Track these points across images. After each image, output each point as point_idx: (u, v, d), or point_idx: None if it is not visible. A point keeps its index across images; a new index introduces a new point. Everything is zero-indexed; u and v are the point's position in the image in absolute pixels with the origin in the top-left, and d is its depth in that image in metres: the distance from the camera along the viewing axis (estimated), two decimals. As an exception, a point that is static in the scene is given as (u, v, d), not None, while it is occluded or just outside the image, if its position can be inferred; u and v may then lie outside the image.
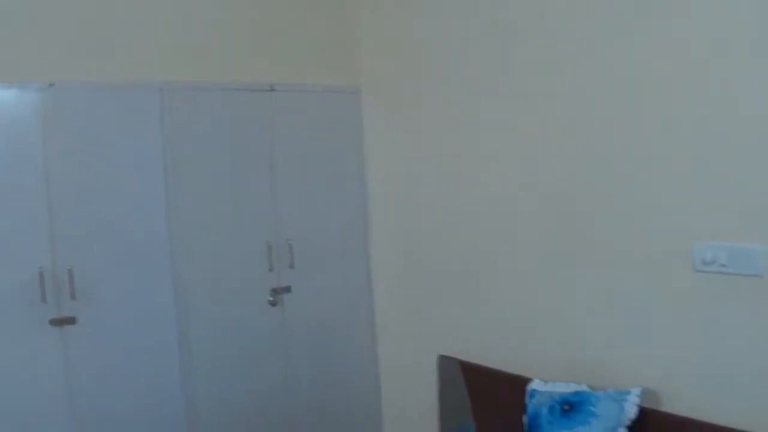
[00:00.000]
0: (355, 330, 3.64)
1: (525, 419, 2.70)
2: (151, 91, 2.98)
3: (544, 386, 2.71)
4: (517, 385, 2.87)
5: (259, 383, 3.29)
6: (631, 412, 2.46)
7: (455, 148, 3.23)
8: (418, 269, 3.46)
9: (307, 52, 3.46)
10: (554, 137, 2.83)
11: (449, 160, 3.26)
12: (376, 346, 3.69)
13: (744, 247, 2.33)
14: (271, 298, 3.29)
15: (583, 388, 2.61)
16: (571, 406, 2.51)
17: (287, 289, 3.35)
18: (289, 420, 3.39)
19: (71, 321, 2.79)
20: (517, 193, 3.00)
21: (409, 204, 3.47)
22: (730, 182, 2.35)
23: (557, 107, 2.81)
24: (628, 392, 2.49)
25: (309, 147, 3.44)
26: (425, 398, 3.44)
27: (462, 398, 3.21)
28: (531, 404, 2.66)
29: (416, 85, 3.37)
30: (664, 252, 2.52)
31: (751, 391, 2.37)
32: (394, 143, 3.51)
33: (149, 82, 2.97)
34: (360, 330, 3.66)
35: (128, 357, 2.96)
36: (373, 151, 3.59)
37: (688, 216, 2.46)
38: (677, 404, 2.52)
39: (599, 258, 2.73)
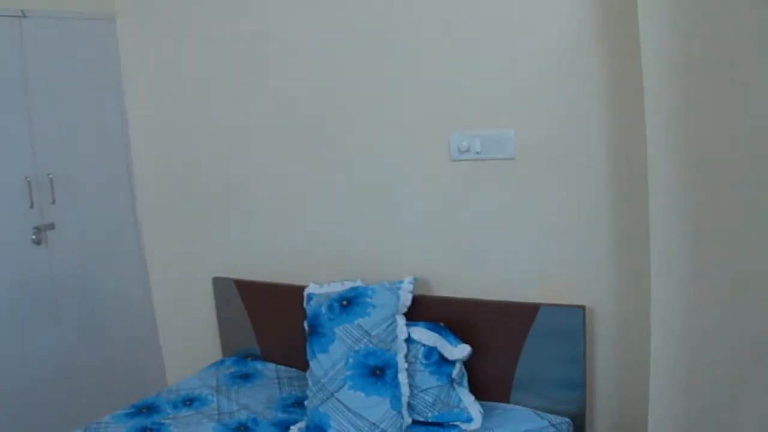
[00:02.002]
0: (124, 262, 3.49)
1: (305, 324, 2.75)
2: None
3: (320, 289, 2.78)
4: (293, 294, 2.92)
5: (30, 331, 3.07)
6: (406, 299, 2.61)
7: (213, 73, 3.17)
8: (184, 194, 3.38)
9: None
10: (306, 52, 2.90)
11: (208, 85, 3.20)
12: (148, 276, 3.56)
13: (496, 133, 2.53)
14: (34, 237, 3.06)
15: (358, 284, 2.71)
16: (349, 301, 2.60)
17: (50, 226, 3.13)
18: (62, 362, 3.19)
19: None
20: (273, 110, 3.03)
21: (172, 129, 3.37)
22: (480, 76, 2.54)
23: (309, 27, 2.88)
24: (401, 282, 2.63)
25: (66, 77, 3.20)
26: (204, 324, 3.42)
27: (242, 318, 3.22)
28: (309, 307, 2.72)
29: (171, 11, 3.24)
30: (423, 145, 2.69)
31: (505, 264, 2.65)
32: (153, 70, 3.37)
33: None
34: (129, 261, 3.51)
35: None
36: (132, 80, 3.41)
37: (443, 110, 2.62)
38: (445, 287, 2.72)
39: (361, 158, 2.86)
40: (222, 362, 3.22)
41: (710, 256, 2.04)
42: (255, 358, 3.20)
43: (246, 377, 3.03)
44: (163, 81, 3.34)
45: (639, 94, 2.04)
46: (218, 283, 3.27)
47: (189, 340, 3.53)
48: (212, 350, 3.38)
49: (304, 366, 2.78)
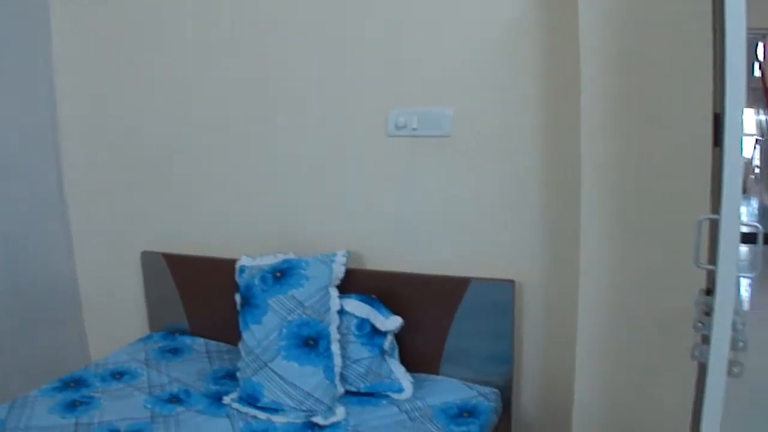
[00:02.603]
0: (48, 237, 3.40)
1: (237, 297, 2.76)
2: None
3: (252, 261, 2.78)
4: (225, 268, 2.90)
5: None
6: (339, 272, 2.64)
7: (145, 48, 3.12)
8: (112, 169, 3.31)
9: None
10: (243, 29, 2.91)
11: (140, 60, 3.14)
12: (73, 251, 3.48)
13: (433, 111, 2.59)
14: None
15: (291, 256, 2.73)
16: (282, 273, 2.62)
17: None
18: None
19: None
20: (208, 85, 3.01)
21: (103, 103, 3.28)
22: (418, 55, 2.62)
23: (248, 4, 2.88)
24: (335, 254, 2.67)
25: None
26: (131, 299, 3.37)
27: (171, 293, 3.19)
28: (242, 279, 2.72)
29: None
30: (361, 121, 2.73)
31: (437, 240, 2.73)
32: (83, 45, 3.27)
33: None
34: (54, 237, 3.42)
35: None
36: (62, 50, 3.32)
37: (381, 87, 2.67)
38: (378, 261, 2.78)
39: (297, 132, 2.88)
40: (149, 337, 3.19)
41: (635, 237, 2.17)
42: (183, 333, 3.18)
43: (175, 351, 3.01)
44: (94, 56, 3.26)
45: (575, 80, 2.14)
46: (146, 257, 3.23)
47: (114, 316, 3.46)
48: (138, 326, 3.33)
49: (233, 340, 2.80)
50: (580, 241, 2.24)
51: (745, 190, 11.56)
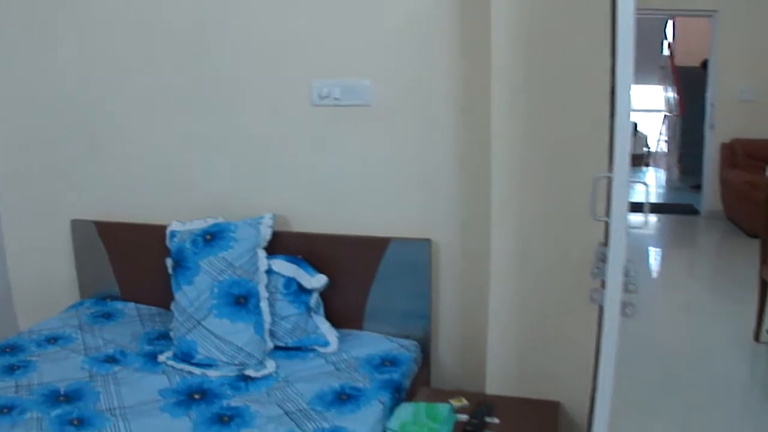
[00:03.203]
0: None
1: (168, 261, 2.87)
2: None
3: (183, 226, 2.90)
4: (155, 234, 3.01)
5: None
6: (266, 234, 2.80)
7: (67, 9, 3.15)
8: (40, 136, 3.33)
9: None
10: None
11: (71, 19, 3.15)
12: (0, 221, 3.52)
13: (354, 82, 2.76)
14: None
15: (220, 220, 2.86)
16: (212, 236, 2.75)
17: None
18: None
19: None
20: (137, 51, 3.08)
21: (31, 65, 3.26)
22: (342, 28, 2.80)
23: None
24: (262, 217, 2.82)
25: None
26: (60, 267, 3.41)
27: (101, 260, 3.26)
28: (173, 244, 2.84)
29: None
30: (286, 90, 2.88)
31: (359, 203, 2.92)
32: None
33: None
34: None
35: None
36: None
37: (306, 58, 2.82)
38: (303, 223, 2.96)
39: (224, 101, 3.00)
40: (81, 303, 3.25)
41: (540, 196, 2.40)
42: (114, 299, 3.26)
43: (108, 316, 3.10)
44: (14, 21, 3.25)
45: (488, 53, 2.35)
46: (77, 225, 3.28)
47: (43, 285, 3.50)
48: (69, 294, 3.39)
49: (164, 304, 2.93)
50: (491, 201, 2.45)
51: (652, 164, 12.14)
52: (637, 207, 2.21)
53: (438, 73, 2.71)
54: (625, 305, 2.03)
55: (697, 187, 8.51)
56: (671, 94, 10.88)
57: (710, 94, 7.91)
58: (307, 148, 2.91)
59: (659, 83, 11.62)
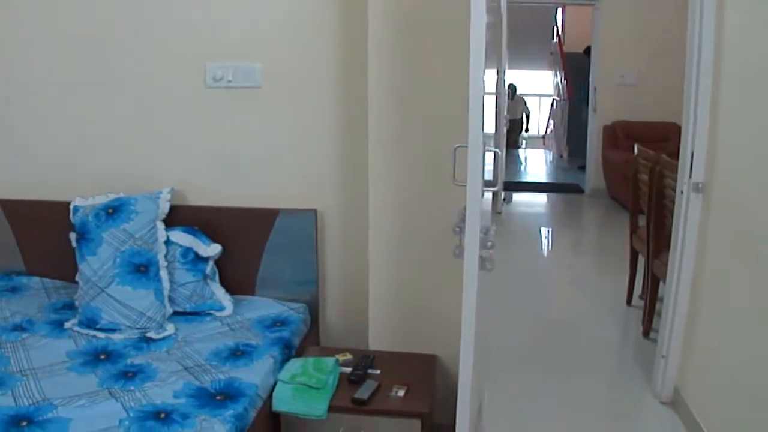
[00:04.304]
0: None
1: (72, 235, 3.04)
2: None
3: (85, 201, 3.07)
4: (58, 210, 3.15)
5: None
6: (164, 207, 3.01)
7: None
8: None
9: None
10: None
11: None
12: None
13: (246, 65, 3.00)
14: None
15: (121, 195, 3.04)
16: (114, 210, 2.94)
17: None
18: None
19: None
20: (38, 27, 3.18)
21: None
22: (233, 14, 3.03)
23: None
24: (160, 192, 3.03)
25: None
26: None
27: (6, 237, 3.38)
28: (77, 218, 3.00)
29: None
30: (182, 73, 3.10)
31: (251, 177, 3.16)
32: None
33: None
34: None
35: None
36: None
37: (198, 43, 3.04)
38: (199, 197, 3.18)
39: (124, 81, 3.17)
40: (-14, 279, 3.38)
41: (412, 167, 2.74)
42: (20, 274, 3.40)
43: (13, 290, 3.23)
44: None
45: (364, 41, 2.66)
46: (-20, 203, 3.39)
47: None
48: (-27, 271, 3.50)
49: (69, 278, 3.10)
50: (369, 172, 2.74)
51: (543, 146, 12.67)
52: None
53: (322, 56, 2.99)
54: (483, 260, 2.32)
55: (583, 168, 9.01)
56: (560, 78, 11.42)
57: (592, 79, 8.41)
58: (202, 127, 3.13)
59: (549, 69, 12.18)
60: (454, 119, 2.42)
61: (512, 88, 11.23)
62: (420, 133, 2.69)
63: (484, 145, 2.14)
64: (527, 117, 12.57)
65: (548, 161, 11.71)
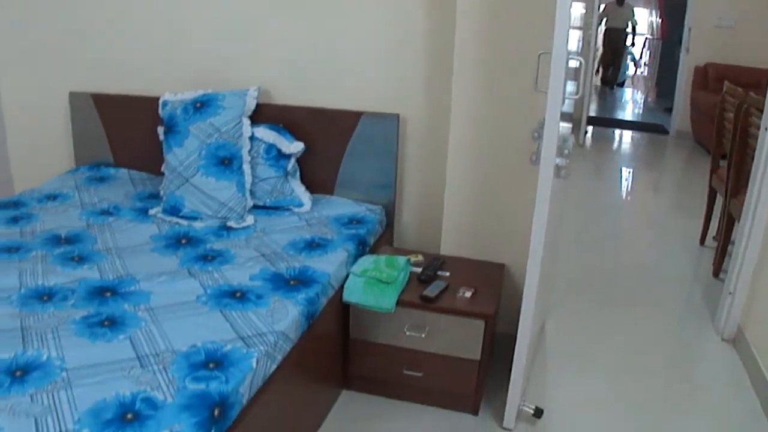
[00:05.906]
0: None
1: (160, 129, 3.14)
2: None
3: (174, 96, 3.15)
4: (148, 105, 3.28)
5: None
6: (251, 104, 3.06)
7: None
8: (39, 11, 3.52)
9: None
10: None
11: None
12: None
13: None
14: None
15: (209, 91, 3.12)
16: (202, 104, 3.01)
17: None
18: None
19: None
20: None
21: None
22: None
23: None
24: (248, 89, 3.08)
25: None
26: (57, 137, 3.68)
27: (97, 130, 3.52)
28: (165, 112, 3.09)
29: None
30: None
31: (335, 80, 3.18)
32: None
33: None
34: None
35: None
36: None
37: None
38: (284, 97, 3.23)
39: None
40: (76, 170, 3.53)
41: (495, 75, 2.70)
42: (108, 166, 3.55)
43: (102, 179, 3.39)
44: None
45: None
46: (74, 97, 3.52)
47: (40, 153, 3.75)
48: (64, 162, 3.67)
49: (155, 170, 3.24)
50: (453, 80, 2.74)
51: (631, 86, 12.31)
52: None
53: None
54: (559, 168, 2.32)
55: (670, 110, 8.76)
56: (655, 17, 11.03)
57: (688, 19, 8.11)
58: (289, 27, 3.15)
59: (644, 6, 11.76)
60: (540, 27, 2.40)
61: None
62: (505, 40, 2.65)
63: (568, 53, 2.13)
64: (633, 29, 11.31)
65: (635, 101, 11.40)
